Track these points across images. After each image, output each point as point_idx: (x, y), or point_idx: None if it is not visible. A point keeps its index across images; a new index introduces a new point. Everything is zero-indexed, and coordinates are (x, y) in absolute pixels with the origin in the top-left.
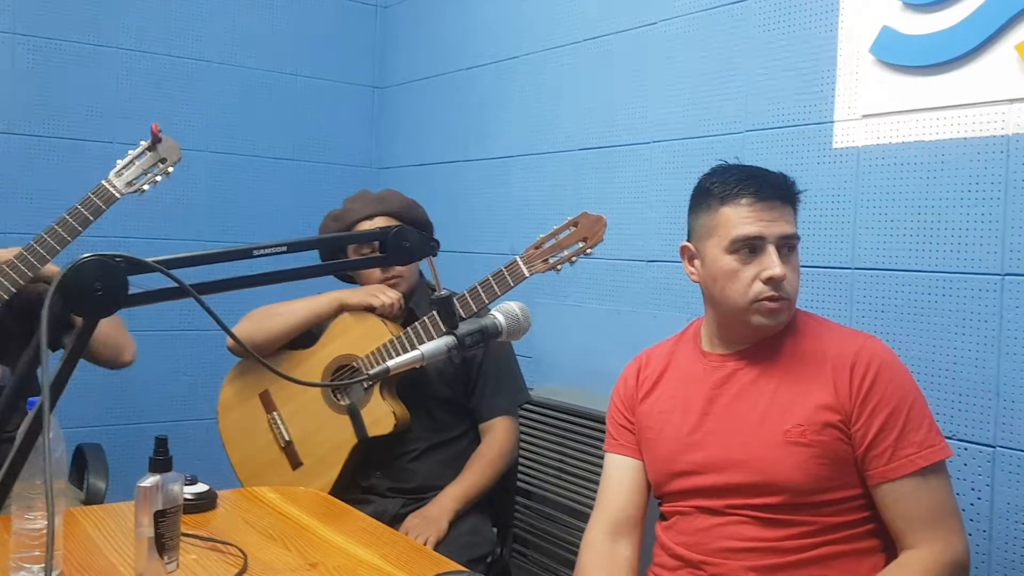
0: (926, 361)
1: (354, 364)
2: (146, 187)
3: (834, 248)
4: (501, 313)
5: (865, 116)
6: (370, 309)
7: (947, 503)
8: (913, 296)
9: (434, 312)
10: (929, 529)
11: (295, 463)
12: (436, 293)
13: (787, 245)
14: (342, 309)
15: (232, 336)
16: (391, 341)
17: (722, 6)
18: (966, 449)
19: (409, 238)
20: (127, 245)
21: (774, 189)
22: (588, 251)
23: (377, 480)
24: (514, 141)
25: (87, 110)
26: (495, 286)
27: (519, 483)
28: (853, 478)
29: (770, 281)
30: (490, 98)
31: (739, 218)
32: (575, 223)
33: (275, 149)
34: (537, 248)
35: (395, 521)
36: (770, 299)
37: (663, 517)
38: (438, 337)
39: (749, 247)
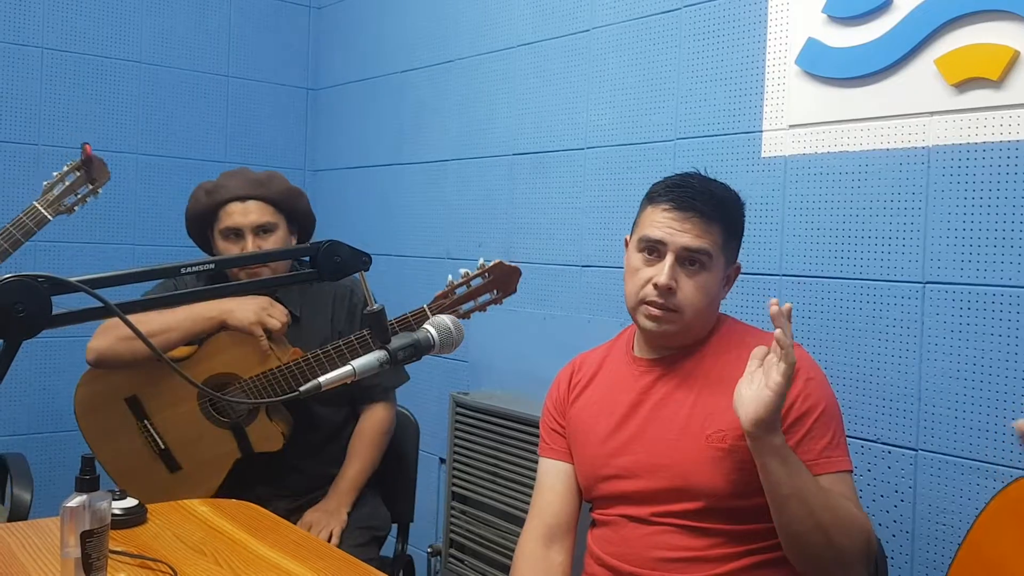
0: (850, 366)
1: (236, 384)
2: (76, 208)
3: (762, 255)
4: (434, 327)
5: (792, 126)
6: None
7: (852, 501)
8: (838, 302)
9: (330, 348)
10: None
11: (173, 467)
12: (368, 308)
13: (690, 259)
14: (223, 328)
15: (167, 362)
16: (278, 370)
17: (654, 15)
18: (889, 452)
19: (340, 253)
20: (55, 250)
21: (696, 202)
22: (500, 302)
23: (261, 490)
24: (449, 145)
25: (11, 112)
26: (399, 332)
27: (454, 487)
28: None
29: (657, 287)
30: (425, 102)
31: (652, 220)
32: (489, 272)
33: (206, 151)
34: (447, 297)
35: (285, 517)
36: (653, 304)
37: (594, 524)
38: (342, 367)
39: (652, 250)
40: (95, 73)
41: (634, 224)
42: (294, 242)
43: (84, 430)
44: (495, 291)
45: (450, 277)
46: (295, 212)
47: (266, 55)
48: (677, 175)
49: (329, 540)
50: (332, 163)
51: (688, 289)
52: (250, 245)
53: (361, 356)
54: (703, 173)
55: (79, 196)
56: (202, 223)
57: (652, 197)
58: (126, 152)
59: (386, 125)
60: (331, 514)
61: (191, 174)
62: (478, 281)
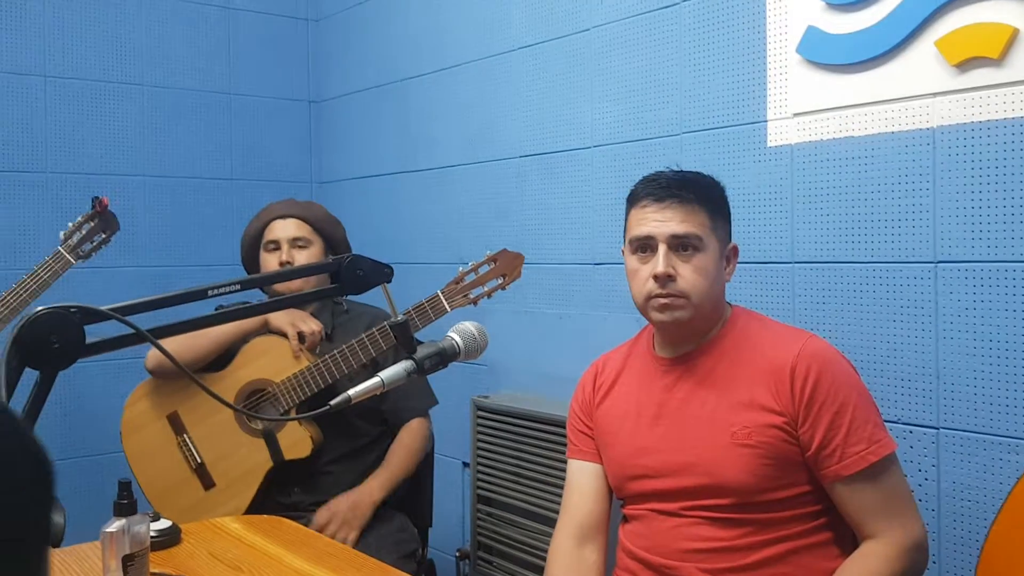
0: (867, 349)
1: (268, 389)
2: (92, 254)
3: (773, 244)
4: (458, 334)
5: (796, 114)
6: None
7: (901, 491)
8: (851, 287)
9: (354, 342)
10: (886, 518)
11: (207, 484)
12: (393, 319)
13: (682, 244)
14: (266, 327)
15: (193, 379)
16: (307, 369)
17: (653, 11)
18: (911, 432)
19: (362, 267)
20: (68, 276)
21: (672, 190)
22: (506, 287)
23: (297, 496)
24: (454, 151)
25: (17, 141)
26: (416, 320)
27: (479, 490)
28: (801, 476)
29: (657, 279)
30: (428, 109)
31: (637, 220)
32: (494, 259)
33: (212, 169)
34: (458, 283)
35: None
36: (659, 296)
37: (625, 520)
38: (355, 364)
39: (644, 247)
40: (97, 98)
41: (625, 232)
42: None
43: (127, 450)
44: (501, 276)
45: (460, 268)
46: (332, 238)
47: (267, 70)
48: (651, 173)
49: (347, 538)
50: (339, 174)
51: (687, 273)
52: (284, 255)
53: (386, 344)
54: (677, 168)
55: (94, 244)
56: (253, 245)
57: (631, 199)
58: (132, 175)
59: (390, 134)
60: (357, 507)
61: (197, 193)
62: (485, 268)
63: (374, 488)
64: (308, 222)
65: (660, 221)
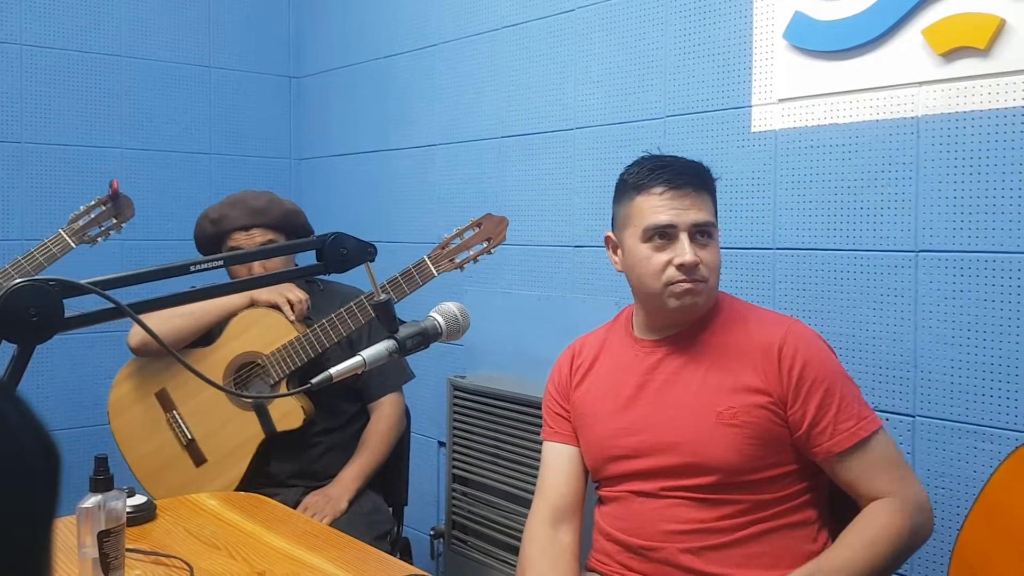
0: (846, 336)
1: (258, 362)
2: (99, 239)
3: (755, 229)
4: (440, 314)
5: (781, 100)
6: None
7: (896, 457)
8: (832, 274)
9: (342, 310)
10: (888, 480)
11: (199, 460)
12: (376, 298)
13: (700, 232)
14: (251, 304)
15: (176, 357)
16: (296, 340)
17: None
18: (887, 419)
19: (346, 245)
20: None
21: (686, 177)
22: (491, 250)
23: (277, 466)
24: (436, 129)
25: None
26: (404, 285)
27: (454, 470)
28: (787, 456)
29: (682, 268)
30: (411, 86)
31: (651, 207)
32: (479, 224)
33: (190, 143)
34: (443, 248)
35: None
36: (683, 282)
37: (601, 502)
38: (335, 335)
39: (661, 235)
40: (75, 68)
41: (620, 219)
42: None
43: (115, 432)
44: (486, 240)
45: (444, 234)
46: (295, 231)
47: (247, 44)
48: (646, 159)
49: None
50: (318, 151)
51: (707, 259)
52: (257, 268)
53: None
54: (658, 151)
55: (103, 228)
56: (209, 248)
57: (638, 187)
58: (110, 147)
59: (372, 111)
60: (331, 500)
61: (177, 167)
62: (470, 233)
63: (348, 483)
64: (272, 228)
65: (680, 209)
